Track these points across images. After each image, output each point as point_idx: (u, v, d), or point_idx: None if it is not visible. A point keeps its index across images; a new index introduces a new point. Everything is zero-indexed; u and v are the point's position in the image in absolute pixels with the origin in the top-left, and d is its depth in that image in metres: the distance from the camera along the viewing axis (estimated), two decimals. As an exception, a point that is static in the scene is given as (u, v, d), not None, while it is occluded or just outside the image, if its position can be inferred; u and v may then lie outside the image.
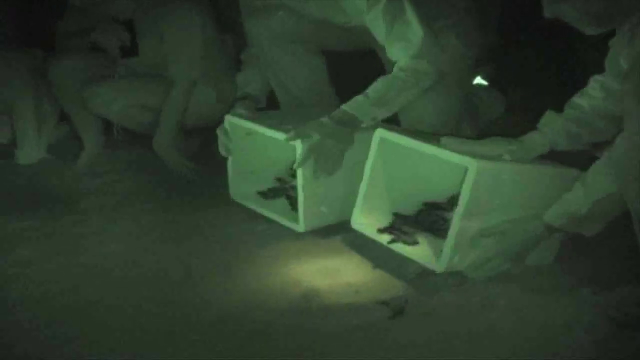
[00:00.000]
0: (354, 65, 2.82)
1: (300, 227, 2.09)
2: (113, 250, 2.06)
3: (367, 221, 1.95)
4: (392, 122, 2.16)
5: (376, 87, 2.05)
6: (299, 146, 2.00)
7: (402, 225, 1.94)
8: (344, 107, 2.04)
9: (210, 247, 2.05)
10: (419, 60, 2.04)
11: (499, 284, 1.73)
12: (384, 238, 1.89)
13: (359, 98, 2.04)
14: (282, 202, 2.27)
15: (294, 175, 2.32)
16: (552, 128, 1.78)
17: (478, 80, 2.69)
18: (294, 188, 2.23)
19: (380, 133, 1.90)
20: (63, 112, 2.87)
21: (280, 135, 2.06)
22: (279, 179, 2.37)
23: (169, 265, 1.96)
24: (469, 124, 2.41)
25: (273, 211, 2.21)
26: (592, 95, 1.75)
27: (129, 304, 1.77)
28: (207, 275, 1.89)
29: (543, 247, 1.76)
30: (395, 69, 2.07)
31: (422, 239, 1.89)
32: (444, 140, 1.80)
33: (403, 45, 2.04)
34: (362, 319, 1.64)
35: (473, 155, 1.70)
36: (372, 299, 1.72)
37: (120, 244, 2.09)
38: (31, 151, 2.85)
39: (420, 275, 1.79)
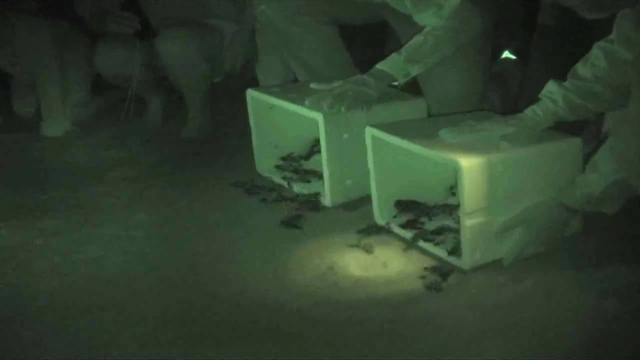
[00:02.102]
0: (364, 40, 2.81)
1: (326, 202, 2.08)
2: (139, 221, 2.06)
3: (388, 215, 1.93)
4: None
5: (410, 44, 2.06)
6: (320, 120, 1.99)
7: (419, 217, 1.91)
8: (378, 66, 2.06)
9: (235, 218, 2.05)
10: (453, 20, 2.02)
11: (527, 260, 1.70)
12: (408, 234, 1.86)
13: (393, 55, 2.06)
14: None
15: (301, 157, 2.32)
16: (554, 100, 1.72)
17: (507, 54, 2.66)
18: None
19: (370, 131, 1.89)
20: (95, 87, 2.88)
21: (301, 110, 2.06)
22: (284, 159, 2.35)
23: (194, 236, 1.96)
24: (498, 97, 2.37)
25: (300, 185, 2.20)
26: (595, 64, 1.68)
27: (153, 274, 1.78)
28: (231, 246, 1.89)
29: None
30: (428, 28, 2.05)
31: (444, 233, 1.85)
32: (442, 132, 1.77)
33: (434, 10, 2.02)
34: (390, 292, 1.63)
35: (465, 149, 1.68)
36: (400, 272, 1.71)
37: (146, 215, 2.10)
38: (56, 123, 2.85)
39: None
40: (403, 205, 1.94)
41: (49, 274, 1.80)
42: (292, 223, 1.97)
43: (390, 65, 2.05)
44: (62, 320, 1.61)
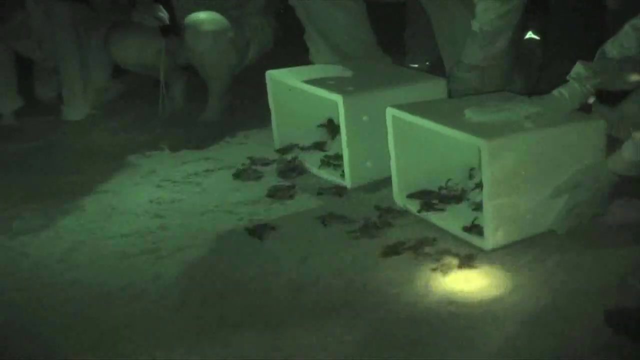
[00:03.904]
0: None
1: (346, 183, 2.08)
2: (161, 202, 2.08)
3: (407, 197, 1.93)
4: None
5: None
6: (340, 101, 1.99)
7: (438, 199, 1.90)
8: None
9: (256, 200, 2.05)
10: None
11: (550, 241, 1.69)
12: (428, 216, 1.86)
13: None
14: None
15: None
16: (581, 82, 1.71)
17: (530, 34, 2.63)
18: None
19: (391, 112, 1.88)
20: (115, 69, 2.90)
21: (321, 91, 2.06)
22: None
23: (215, 217, 1.97)
24: (520, 77, 2.36)
25: (317, 166, 2.20)
26: (624, 43, 1.67)
27: (175, 255, 1.79)
28: (254, 220, 1.91)
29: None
30: None
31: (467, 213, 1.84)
32: (467, 112, 1.77)
33: None
34: (411, 274, 1.63)
35: (488, 129, 1.67)
36: (421, 253, 1.70)
37: (168, 196, 2.12)
38: (77, 107, 2.86)
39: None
40: (417, 195, 1.92)
41: (75, 251, 1.83)
42: (256, 233, 1.86)
43: None
44: (84, 299, 1.63)
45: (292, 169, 2.21)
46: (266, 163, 2.27)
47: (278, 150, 2.32)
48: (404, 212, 1.90)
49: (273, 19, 2.71)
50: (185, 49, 2.60)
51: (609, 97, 1.74)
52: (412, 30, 2.92)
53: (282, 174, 2.20)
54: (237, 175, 2.21)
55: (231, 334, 1.47)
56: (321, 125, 2.30)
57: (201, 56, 2.56)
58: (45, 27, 2.79)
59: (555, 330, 1.39)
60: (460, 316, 1.46)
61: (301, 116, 2.33)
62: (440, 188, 1.93)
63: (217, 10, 2.56)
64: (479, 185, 1.78)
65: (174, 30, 2.61)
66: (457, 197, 1.90)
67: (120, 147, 2.53)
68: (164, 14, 2.61)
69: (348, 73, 2.26)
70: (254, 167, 2.26)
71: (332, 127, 2.26)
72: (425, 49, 2.85)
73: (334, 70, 2.30)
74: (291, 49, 2.69)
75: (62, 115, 2.85)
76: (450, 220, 1.81)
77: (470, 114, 1.76)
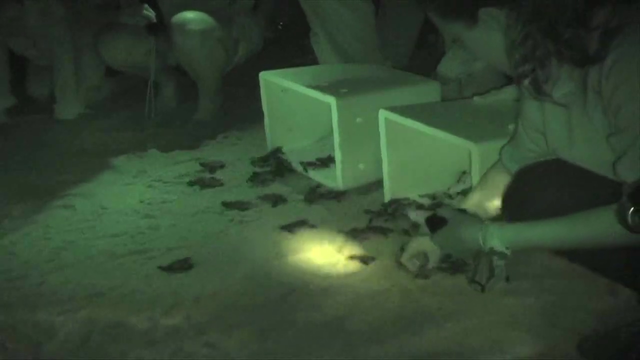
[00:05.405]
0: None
1: (339, 186, 2.07)
2: (151, 202, 2.08)
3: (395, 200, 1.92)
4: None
5: None
6: (333, 103, 1.99)
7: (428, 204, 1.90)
8: None
9: (246, 202, 2.05)
10: None
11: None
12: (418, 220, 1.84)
13: None
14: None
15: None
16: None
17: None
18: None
19: (384, 114, 1.87)
20: (108, 69, 2.90)
21: (314, 93, 2.06)
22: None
23: (206, 217, 1.97)
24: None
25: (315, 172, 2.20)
26: None
27: (166, 254, 1.78)
28: (241, 228, 1.90)
29: None
30: None
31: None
32: (476, 99, 1.81)
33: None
34: (404, 277, 1.62)
35: (479, 132, 1.68)
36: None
37: (159, 196, 2.12)
38: (70, 106, 2.86)
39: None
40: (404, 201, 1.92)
41: (64, 251, 1.83)
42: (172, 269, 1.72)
43: None
44: (73, 299, 1.61)
45: (272, 173, 2.20)
46: (221, 166, 2.27)
47: (261, 158, 2.30)
48: (394, 215, 1.89)
49: (263, 20, 2.70)
50: (173, 49, 2.60)
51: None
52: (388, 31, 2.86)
53: (256, 179, 2.18)
54: (193, 184, 2.18)
55: (220, 335, 1.46)
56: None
57: (189, 56, 2.56)
58: (41, 25, 2.78)
59: (549, 339, 1.38)
60: (449, 321, 1.45)
61: (294, 118, 2.33)
62: (432, 194, 1.93)
63: (204, 10, 2.56)
64: (464, 192, 1.79)
65: (162, 27, 2.60)
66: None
67: (112, 146, 2.52)
68: (151, 13, 2.60)
69: (342, 75, 2.26)
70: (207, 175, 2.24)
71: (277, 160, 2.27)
72: (397, 50, 2.81)
73: (328, 72, 2.30)
74: (285, 50, 2.69)
75: (54, 114, 2.85)
76: None
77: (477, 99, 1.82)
